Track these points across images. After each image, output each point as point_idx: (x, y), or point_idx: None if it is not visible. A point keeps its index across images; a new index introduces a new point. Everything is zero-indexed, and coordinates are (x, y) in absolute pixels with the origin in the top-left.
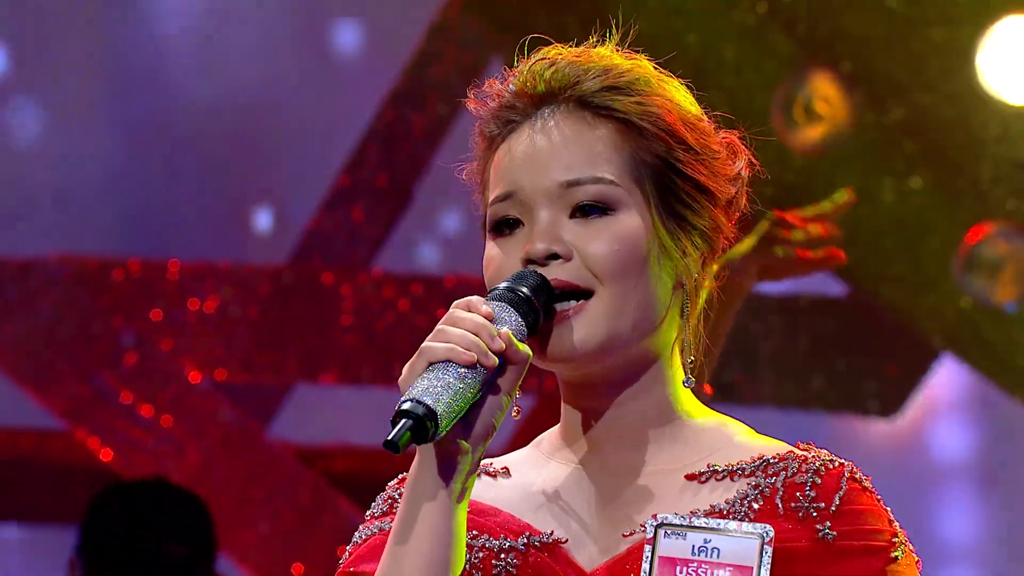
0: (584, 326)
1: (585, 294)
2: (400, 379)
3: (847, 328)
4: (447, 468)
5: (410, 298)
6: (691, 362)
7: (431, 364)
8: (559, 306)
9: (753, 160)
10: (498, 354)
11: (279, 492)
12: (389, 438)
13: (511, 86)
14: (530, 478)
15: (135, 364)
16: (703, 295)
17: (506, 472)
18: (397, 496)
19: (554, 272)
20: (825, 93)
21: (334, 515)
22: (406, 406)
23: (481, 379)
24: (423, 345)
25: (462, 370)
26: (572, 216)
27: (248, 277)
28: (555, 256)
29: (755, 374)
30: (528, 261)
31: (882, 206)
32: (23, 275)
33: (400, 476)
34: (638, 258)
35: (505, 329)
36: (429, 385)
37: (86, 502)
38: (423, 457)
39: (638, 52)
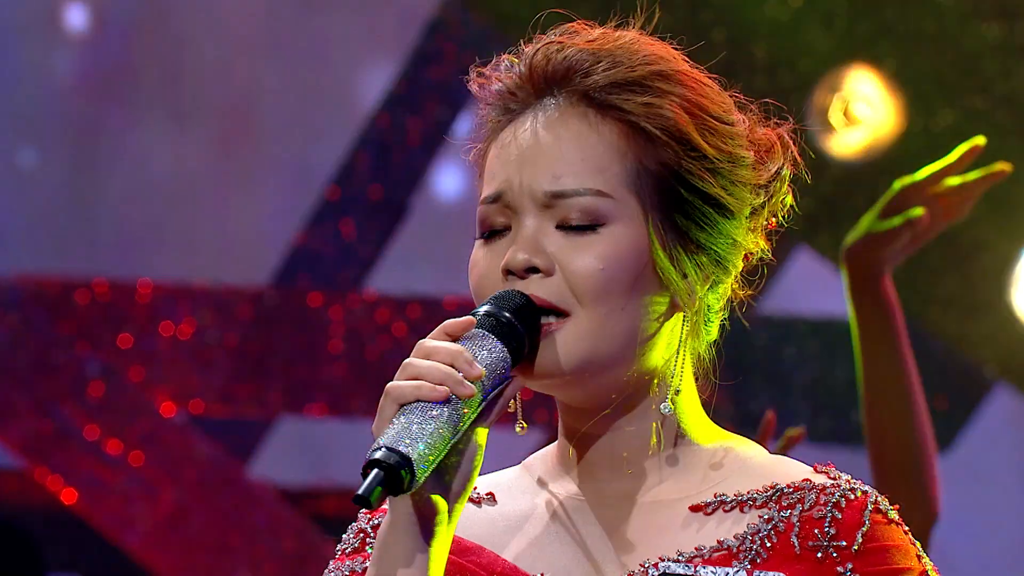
0: (563, 345)
1: (563, 314)
2: (373, 427)
3: None
4: (424, 527)
5: (406, 322)
6: (676, 392)
7: (402, 406)
8: (543, 319)
9: (798, 157)
10: (476, 382)
11: (261, 537)
12: (360, 492)
13: (513, 71)
14: (518, 507)
15: (101, 396)
16: (716, 319)
17: (491, 499)
18: (370, 529)
19: (533, 287)
20: (866, 95)
21: (321, 563)
22: (377, 455)
23: (459, 416)
24: (388, 385)
25: (437, 409)
26: (559, 227)
27: (227, 299)
28: (535, 270)
29: (788, 405)
30: (507, 272)
31: None
32: None
33: None
34: (626, 278)
35: (485, 358)
36: (401, 429)
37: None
38: (395, 515)
39: (666, 39)
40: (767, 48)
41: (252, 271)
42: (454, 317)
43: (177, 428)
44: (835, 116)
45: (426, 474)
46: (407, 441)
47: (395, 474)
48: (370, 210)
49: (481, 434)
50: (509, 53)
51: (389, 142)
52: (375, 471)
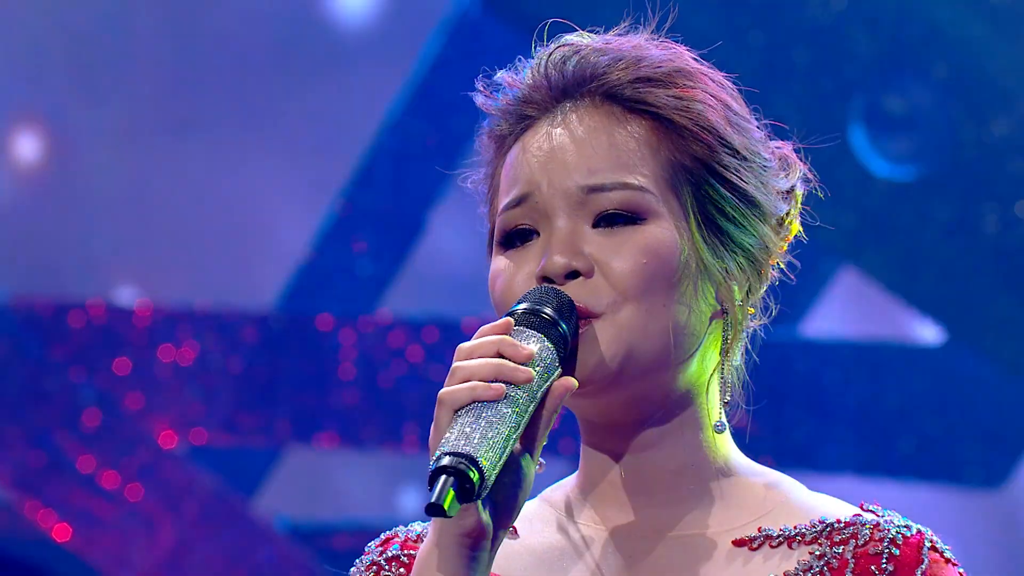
0: (605, 341)
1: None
2: (430, 440)
3: (942, 382)
4: (470, 551)
5: (423, 346)
6: (727, 403)
7: (456, 412)
8: (583, 320)
9: (810, 175)
10: (530, 366)
11: None
12: (432, 500)
13: (527, 77)
14: (542, 539)
15: (97, 425)
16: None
17: (513, 532)
18: (383, 562)
19: (573, 291)
20: (914, 103)
21: None
22: (444, 461)
23: (518, 410)
24: (440, 393)
25: (495, 407)
26: (595, 225)
27: (231, 322)
28: (575, 274)
29: (831, 435)
30: (543, 278)
31: (983, 237)
32: None
33: (383, 536)
34: (669, 275)
35: (534, 347)
36: (460, 433)
37: None
38: (441, 536)
39: (677, 41)
40: (808, 52)
41: (258, 292)
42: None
43: (177, 460)
44: (879, 125)
45: (494, 475)
46: (471, 444)
47: (465, 478)
48: (384, 226)
49: (527, 461)
50: (509, 69)
51: (405, 152)
52: (443, 477)
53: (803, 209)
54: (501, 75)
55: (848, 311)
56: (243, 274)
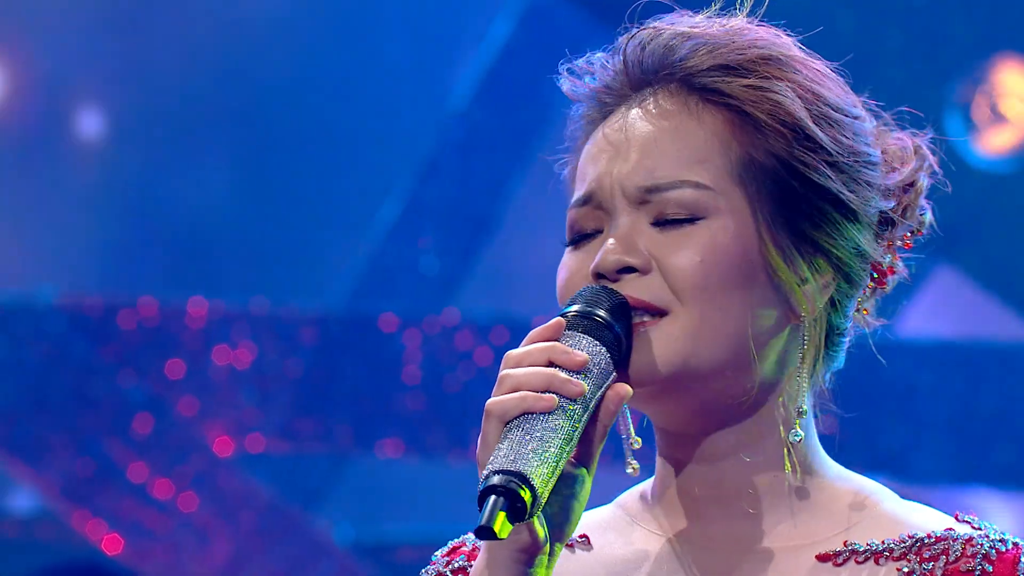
0: (658, 345)
1: (662, 313)
2: (477, 454)
3: None
4: (525, 567)
5: (492, 348)
6: (803, 414)
7: (507, 424)
8: (637, 319)
9: (937, 168)
10: (583, 377)
11: None
12: (482, 523)
13: (608, 62)
14: (617, 550)
15: (148, 431)
16: (842, 344)
17: (586, 541)
18: (449, 573)
19: (627, 288)
20: (1017, 89)
21: None
22: (493, 480)
23: (571, 422)
24: (488, 403)
25: (546, 419)
26: (655, 223)
27: (289, 323)
28: (630, 269)
29: (925, 441)
30: (597, 275)
31: None
32: (7, 320)
33: (450, 545)
34: (730, 273)
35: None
36: (511, 448)
37: None
38: (494, 553)
39: (781, 27)
40: (901, 36)
41: (318, 291)
42: None
43: (233, 468)
44: (979, 113)
45: (547, 493)
46: (522, 460)
47: (516, 497)
48: (451, 221)
49: (584, 473)
50: (604, 50)
51: (473, 144)
52: (493, 498)
53: (928, 203)
54: (585, 59)
55: (943, 310)
56: (302, 272)
